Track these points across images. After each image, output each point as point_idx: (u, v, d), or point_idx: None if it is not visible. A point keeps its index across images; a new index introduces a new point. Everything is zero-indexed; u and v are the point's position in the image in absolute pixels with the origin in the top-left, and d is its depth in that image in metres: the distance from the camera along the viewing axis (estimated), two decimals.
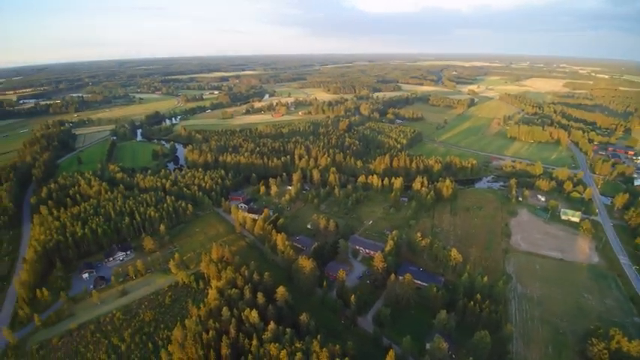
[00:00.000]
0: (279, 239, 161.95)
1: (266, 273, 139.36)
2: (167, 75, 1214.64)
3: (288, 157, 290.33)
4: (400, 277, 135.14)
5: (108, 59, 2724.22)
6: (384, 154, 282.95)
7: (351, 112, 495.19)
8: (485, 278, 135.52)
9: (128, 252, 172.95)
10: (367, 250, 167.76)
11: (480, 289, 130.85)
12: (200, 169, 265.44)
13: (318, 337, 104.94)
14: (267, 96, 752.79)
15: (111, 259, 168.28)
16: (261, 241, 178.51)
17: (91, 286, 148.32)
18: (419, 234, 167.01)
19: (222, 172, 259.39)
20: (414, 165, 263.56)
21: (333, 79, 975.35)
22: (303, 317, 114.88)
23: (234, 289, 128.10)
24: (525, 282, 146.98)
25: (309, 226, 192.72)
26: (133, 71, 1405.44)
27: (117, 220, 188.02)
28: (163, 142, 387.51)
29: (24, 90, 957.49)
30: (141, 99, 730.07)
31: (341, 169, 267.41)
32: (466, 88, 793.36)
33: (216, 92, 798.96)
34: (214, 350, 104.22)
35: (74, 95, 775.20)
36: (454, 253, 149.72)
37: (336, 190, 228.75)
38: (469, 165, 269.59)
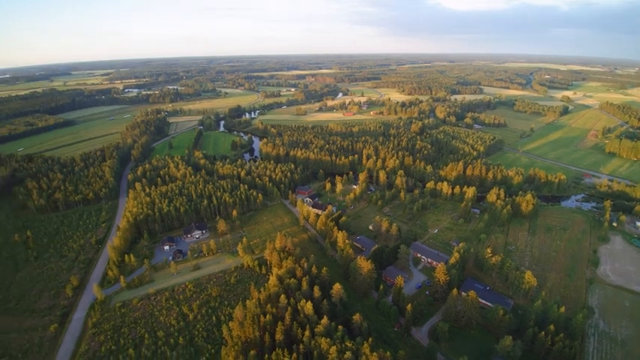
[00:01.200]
0: (340, 237, 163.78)
1: (324, 268, 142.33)
2: (250, 72, 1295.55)
3: (356, 156, 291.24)
4: (463, 293, 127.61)
5: (200, 56, 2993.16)
6: (458, 161, 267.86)
7: (425, 115, 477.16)
8: (562, 308, 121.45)
9: (204, 231, 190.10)
10: (429, 260, 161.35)
11: (554, 320, 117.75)
12: (272, 162, 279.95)
13: (370, 340, 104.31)
14: (340, 94, 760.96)
15: (189, 235, 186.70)
16: (322, 236, 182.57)
17: (170, 258, 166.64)
18: (489, 250, 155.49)
19: (292, 165, 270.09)
20: (490, 175, 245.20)
21: (408, 79, 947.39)
22: (357, 317, 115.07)
23: (292, 279, 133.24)
24: (610, 319, 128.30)
25: (370, 227, 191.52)
26: (221, 67, 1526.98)
27: (197, 201, 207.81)
28: (242, 134, 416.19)
29: (129, 80, 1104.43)
30: (226, 93, 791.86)
31: (409, 173, 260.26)
32: (559, 94, 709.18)
33: (292, 89, 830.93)
34: (269, 334, 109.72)
35: (170, 87, 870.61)
36: (528, 275, 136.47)
37: (402, 194, 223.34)
38: (556, 180, 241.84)
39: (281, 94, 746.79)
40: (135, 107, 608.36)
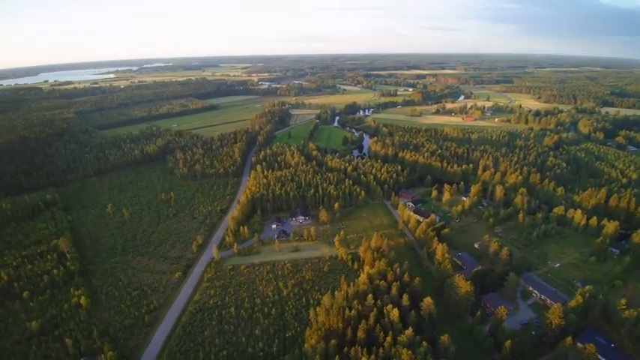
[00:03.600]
0: (440, 249, 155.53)
1: (417, 278, 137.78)
2: (370, 70, 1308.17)
3: (470, 165, 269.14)
4: (579, 344, 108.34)
5: (326, 53, 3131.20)
6: (600, 187, 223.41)
7: (564, 127, 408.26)
8: None
9: (307, 217, 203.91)
10: (543, 297, 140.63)
11: None
12: (379, 161, 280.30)
13: None
14: (462, 97, 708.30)
15: (293, 219, 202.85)
16: (419, 244, 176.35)
17: (276, 236, 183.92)
18: (624, 300, 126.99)
19: (399, 167, 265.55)
20: None
21: (547, 84, 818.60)
22: (445, 338, 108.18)
23: (382, 281, 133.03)
24: None
25: (476, 246, 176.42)
26: (342, 65, 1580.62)
27: (305, 189, 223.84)
28: (354, 131, 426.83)
29: (263, 74, 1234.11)
30: (344, 90, 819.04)
31: (533, 193, 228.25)
32: None
33: (410, 89, 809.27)
34: (352, 329, 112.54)
35: (296, 82, 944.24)
36: None
37: (521, 216, 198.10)
38: None
39: (397, 93, 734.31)
40: (265, 98, 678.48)
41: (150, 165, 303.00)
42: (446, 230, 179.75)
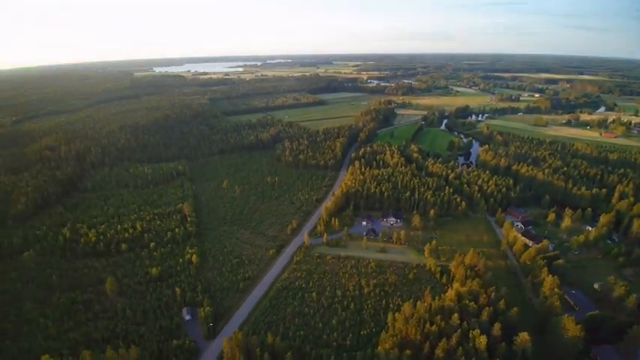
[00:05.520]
0: (549, 281, 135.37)
1: (514, 308, 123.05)
2: (490, 71, 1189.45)
3: (603, 190, 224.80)
4: None
5: (442, 53, 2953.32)
6: None
7: None
8: None
9: (398, 220, 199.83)
10: None
11: None
12: (487, 172, 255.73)
13: None
14: (602, 108, 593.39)
15: (384, 219, 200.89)
16: (523, 271, 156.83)
17: (364, 233, 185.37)
18: None
19: (511, 181, 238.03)
20: None
21: None
22: None
23: (472, 303, 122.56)
24: None
25: (595, 286, 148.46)
26: (459, 65, 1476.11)
27: (400, 191, 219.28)
28: (462, 136, 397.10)
29: (372, 72, 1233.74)
30: (457, 92, 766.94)
31: None
32: None
33: (536, 95, 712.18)
34: (430, 345, 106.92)
35: (405, 81, 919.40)
36: None
37: None
38: None
39: (520, 98, 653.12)
40: (372, 96, 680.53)
41: (262, 151, 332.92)
42: (560, 261, 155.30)
